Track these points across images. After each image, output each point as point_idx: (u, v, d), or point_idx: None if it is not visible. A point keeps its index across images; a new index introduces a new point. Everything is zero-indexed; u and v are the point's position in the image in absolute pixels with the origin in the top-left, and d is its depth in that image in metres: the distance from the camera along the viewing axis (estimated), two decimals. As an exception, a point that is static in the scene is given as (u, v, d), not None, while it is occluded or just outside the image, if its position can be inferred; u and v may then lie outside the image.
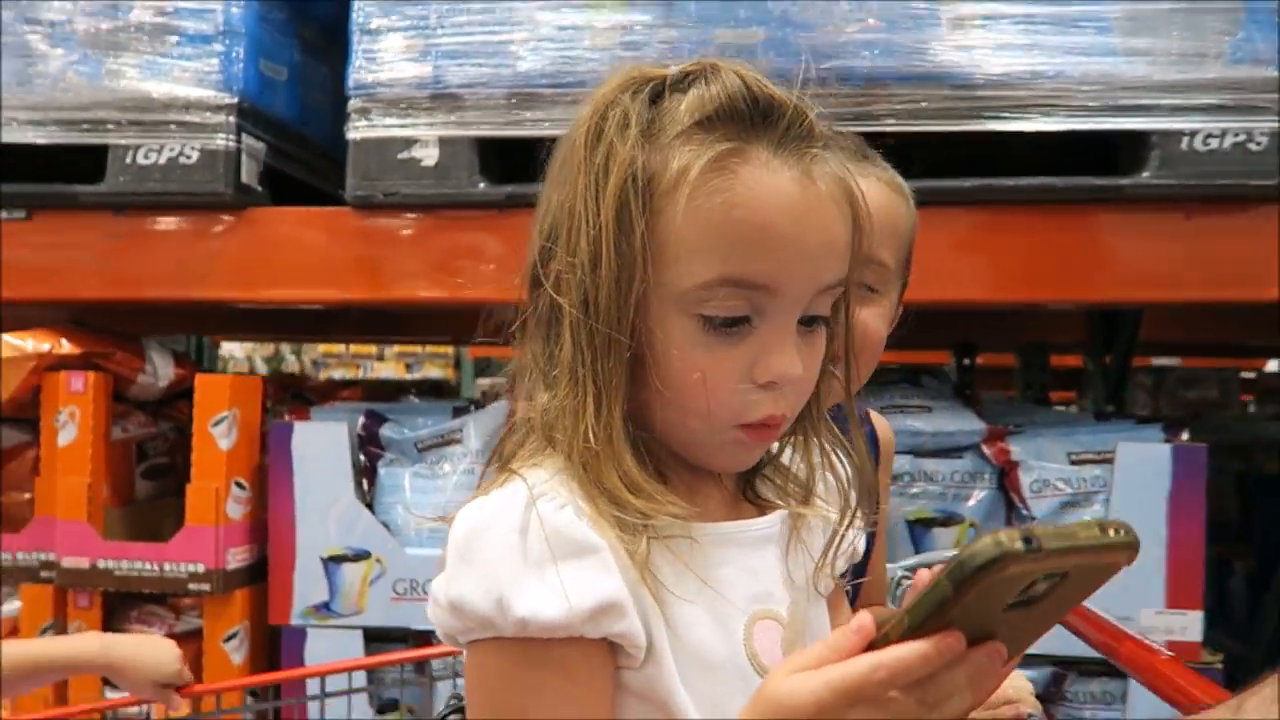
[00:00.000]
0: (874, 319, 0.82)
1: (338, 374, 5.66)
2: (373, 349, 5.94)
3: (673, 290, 0.56)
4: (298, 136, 1.58)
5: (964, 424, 1.51)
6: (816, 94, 0.60)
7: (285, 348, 5.32)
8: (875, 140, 0.86)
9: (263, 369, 4.98)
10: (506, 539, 0.52)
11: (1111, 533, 0.43)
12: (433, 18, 1.37)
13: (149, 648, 1.09)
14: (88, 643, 1.13)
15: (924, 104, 1.26)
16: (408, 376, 5.77)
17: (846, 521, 0.62)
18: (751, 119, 0.57)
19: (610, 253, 0.56)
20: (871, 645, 0.46)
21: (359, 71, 1.39)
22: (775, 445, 0.64)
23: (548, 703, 0.52)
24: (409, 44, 1.37)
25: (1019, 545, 0.41)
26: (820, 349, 0.60)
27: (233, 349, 4.90)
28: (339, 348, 5.76)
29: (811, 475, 0.63)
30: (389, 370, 6.10)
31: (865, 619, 0.46)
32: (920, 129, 1.26)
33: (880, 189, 0.84)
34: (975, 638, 0.45)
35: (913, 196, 0.87)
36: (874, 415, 0.98)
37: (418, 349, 5.88)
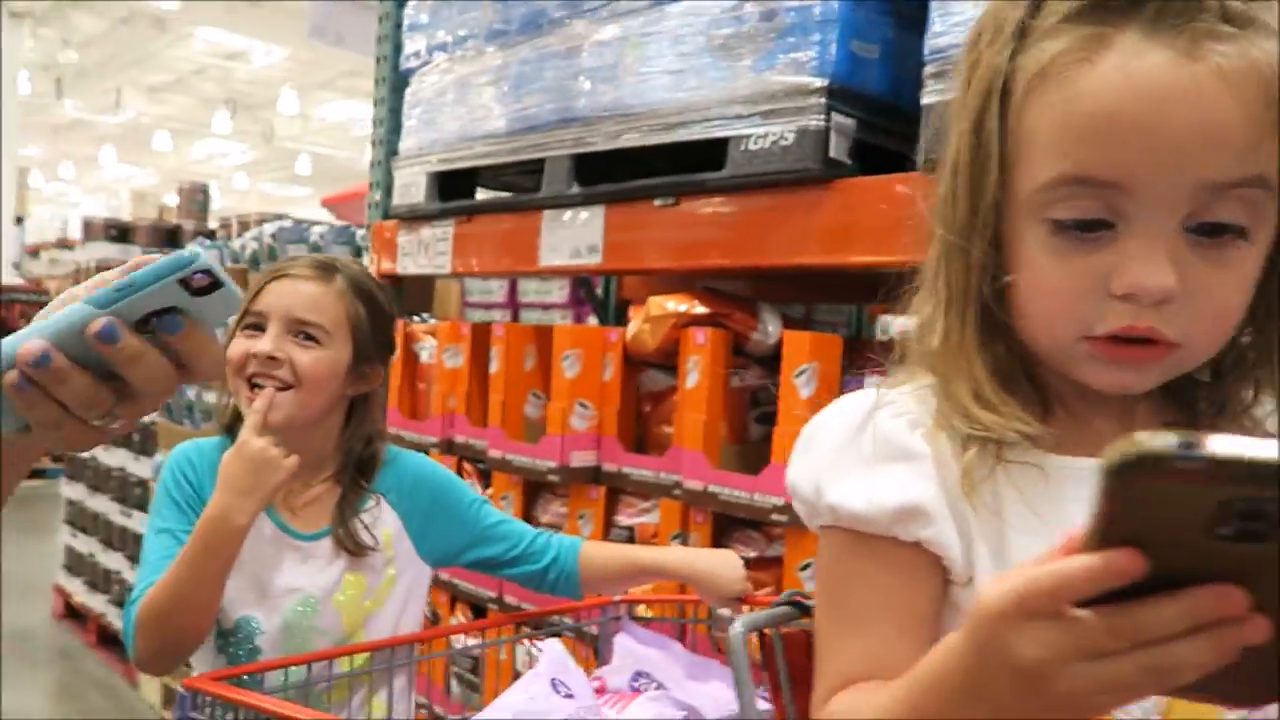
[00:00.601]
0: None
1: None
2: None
3: (1022, 194, 0.53)
4: (891, 108, 1.66)
5: None
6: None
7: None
8: None
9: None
10: (839, 435, 0.56)
11: None
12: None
13: (720, 562, 1.29)
14: (675, 554, 1.38)
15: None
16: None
17: None
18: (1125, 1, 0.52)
19: (965, 159, 0.57)
20: None
21: (934, 38, 1.42)
22: (1250, 394, 0.55)
23: (866, 590, 0.55)
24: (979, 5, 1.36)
25: (1167, 448, 0.34)
26: (1239, 266, 0.50)
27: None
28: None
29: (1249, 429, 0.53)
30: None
31: (1073, 531, 0.40)
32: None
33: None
34: (1192, 576, 0.37)
35: None
36: None
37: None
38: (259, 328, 1.32)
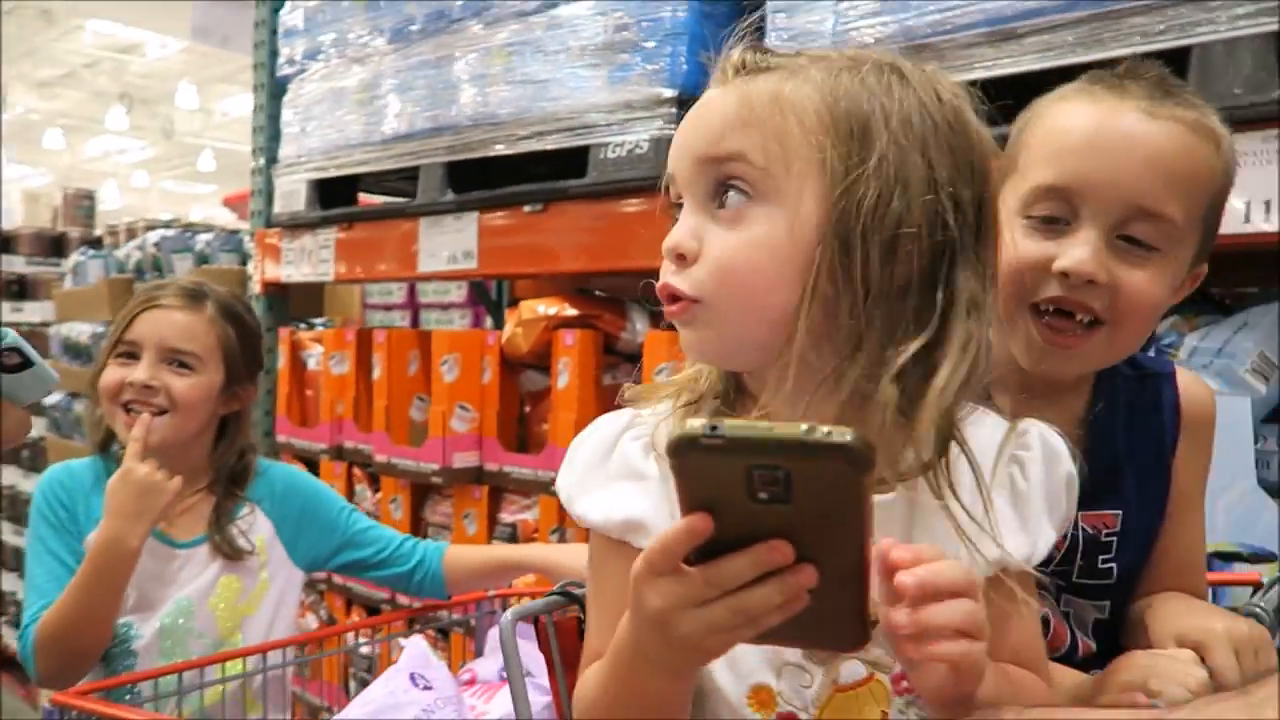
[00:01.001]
0: (1145, 281, 0.74)
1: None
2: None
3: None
4: (743, 116, 1.75)
5: None
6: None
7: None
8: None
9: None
10: (591, 455, 0.65)
11: (820, 432, 0.42)
12: (835, -12, 1.43)
13: (576, 554, 1.37)
14: (534, 550, 1.46)
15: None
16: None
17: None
18: None
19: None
20: None
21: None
22: None
23: (609, 582, 0.64)
24: (813, 18, 1.46)
25: (697, 428, 0.46)
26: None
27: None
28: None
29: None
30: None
31: None
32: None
33: (1174, 132, 0.74)
34: (757, 534, 0.49)
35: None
36: (1184, 376, 0.85)
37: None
38: (132, 355, 1.37)
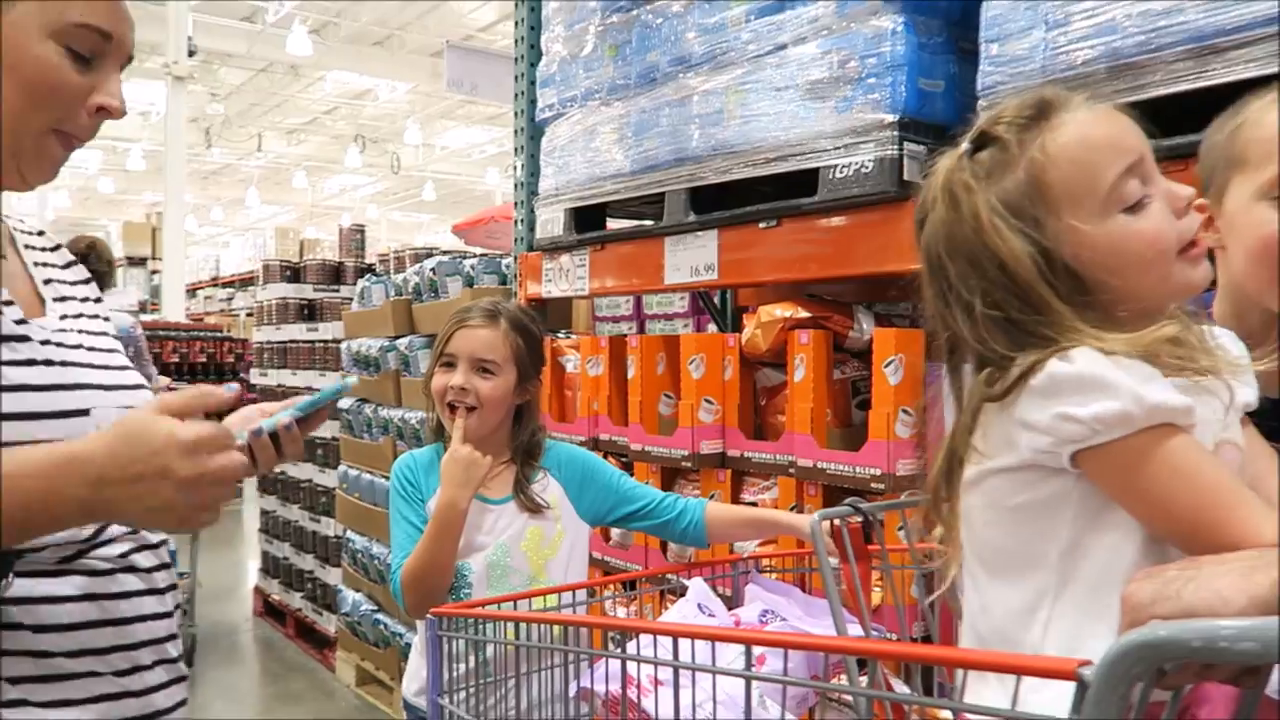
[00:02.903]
0: None
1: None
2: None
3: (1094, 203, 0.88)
4: (961, 132, 1.93)
5: None
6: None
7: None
8: None
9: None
10: (1125, 366, 0.79)
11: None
12: (1044, 20, 1.61)
13: (800, 519, 1.61)
14: (785, 513, 1.71)
15: None
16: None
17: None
18: (1038, 116, 0.89)
19: (1007, 252, 0.86)
20: None
21: (984, 76, 1.70)
22: None
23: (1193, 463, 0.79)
24: (1024, 45, 1.64)
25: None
26: None
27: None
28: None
29: None
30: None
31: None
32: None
33: None
34: None
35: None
36: None
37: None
38: (451, 365, 1.77)
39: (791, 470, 2.02)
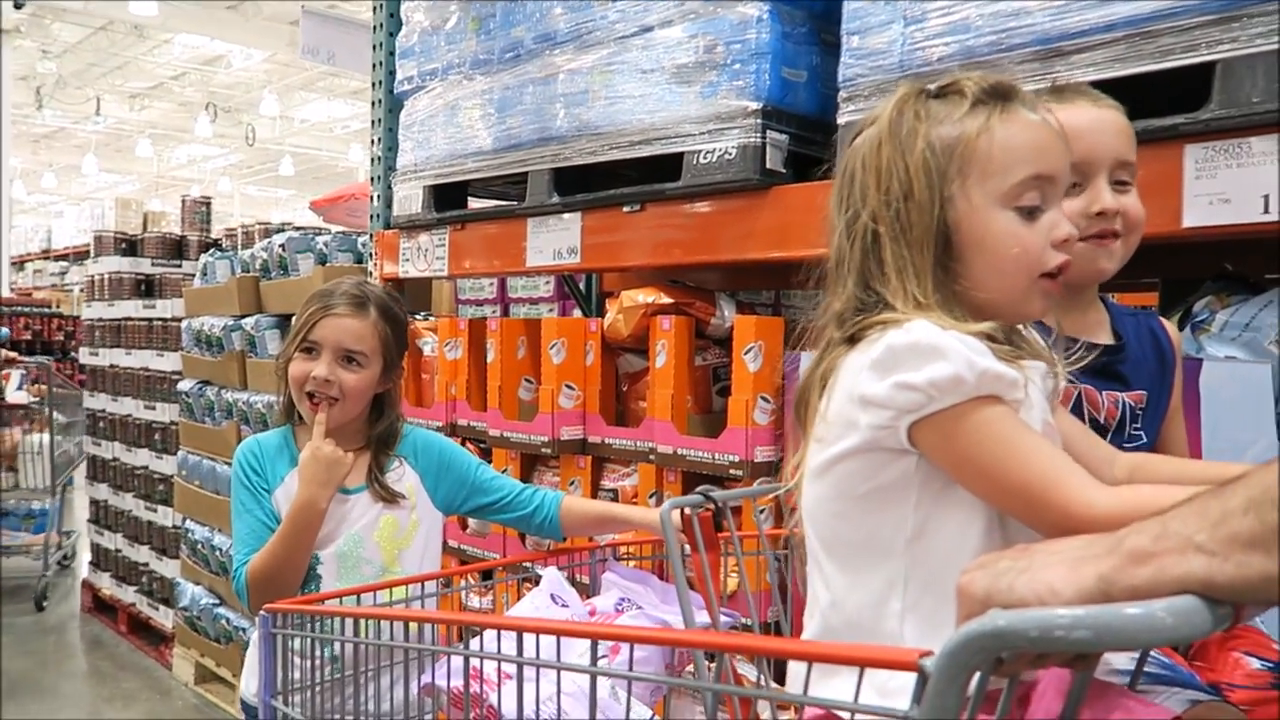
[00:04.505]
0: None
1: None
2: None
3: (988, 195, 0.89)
4: (819, 124, 1.96)
5: None
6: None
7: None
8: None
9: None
10: (959, 338, 0.82)
11: None
12: (902, 16, 1.64)
13: (653, 515, 1.60)
14: (637, 509, 1.69)
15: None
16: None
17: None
18: (1000, 95, 0.91)
19: (919, 187, 0.87)
20: None
21: (845, 68, 1.72)
22: None
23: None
24: (883, 39, 1.66)
25: None
26: None
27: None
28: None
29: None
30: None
31: None
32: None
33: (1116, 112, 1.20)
34: None
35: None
36: (1163, 321, 1.12)
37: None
38: (311, 352, 1.68)
39: (651, 457, 2.01)
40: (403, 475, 1.72)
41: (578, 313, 3.05)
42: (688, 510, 0.99)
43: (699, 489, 1.05)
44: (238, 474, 1.67)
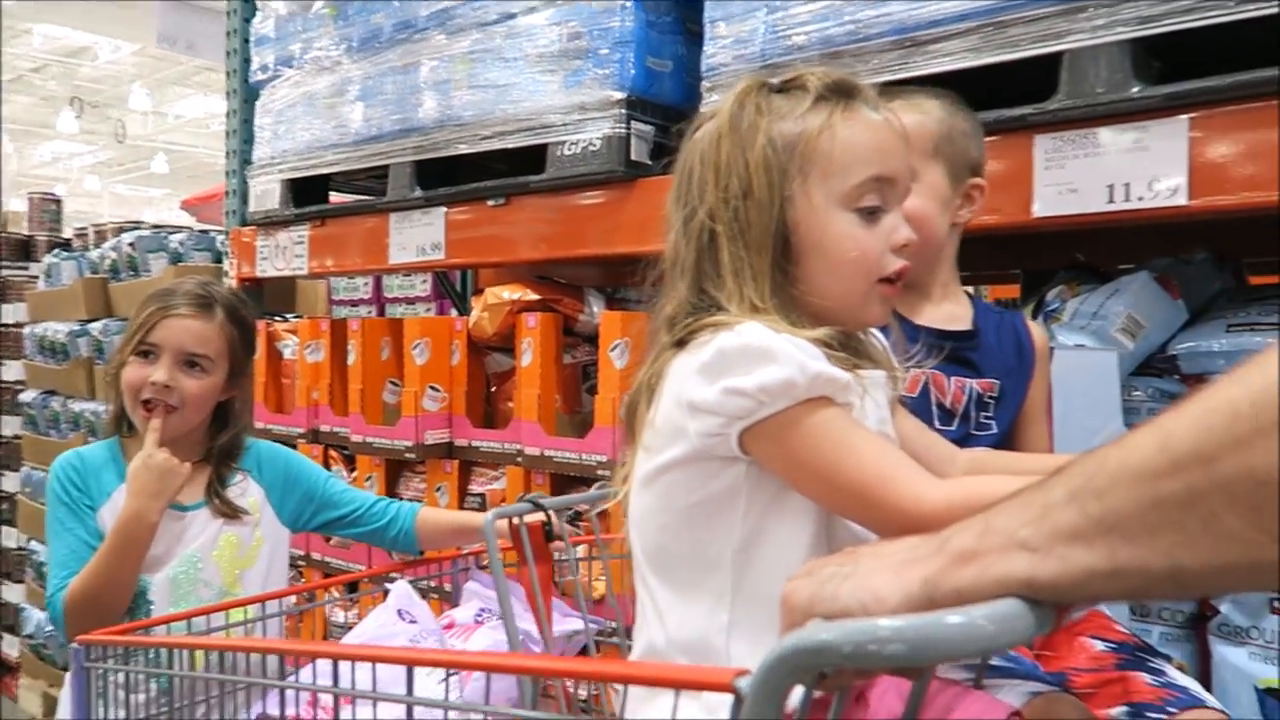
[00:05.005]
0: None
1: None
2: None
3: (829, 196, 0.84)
4: (685, 114, 1.91)
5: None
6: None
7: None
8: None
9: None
10: (791, 341, 0.78)
11: None
12: (766, 4, 1.61)
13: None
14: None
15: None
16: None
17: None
18: (843, 92, 0.87)
19: (759, 185, 0.82)
20: None
21: (707, 57, 1.68)
22: None
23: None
24: (745, 28, 1.63)
25: None
26: None
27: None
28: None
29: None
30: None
31: None
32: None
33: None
34: None
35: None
36: (1030, 321, 1.08)
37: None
38: (148, 355, 1.53)
39: (519, 459, 1.93)
40: (246, 489, 1.59)
41: (455, 313, 2.95)
42: (515, 519, 0.92)
43: (526, 496, 0.99)
44: (55, 489, 1.52)
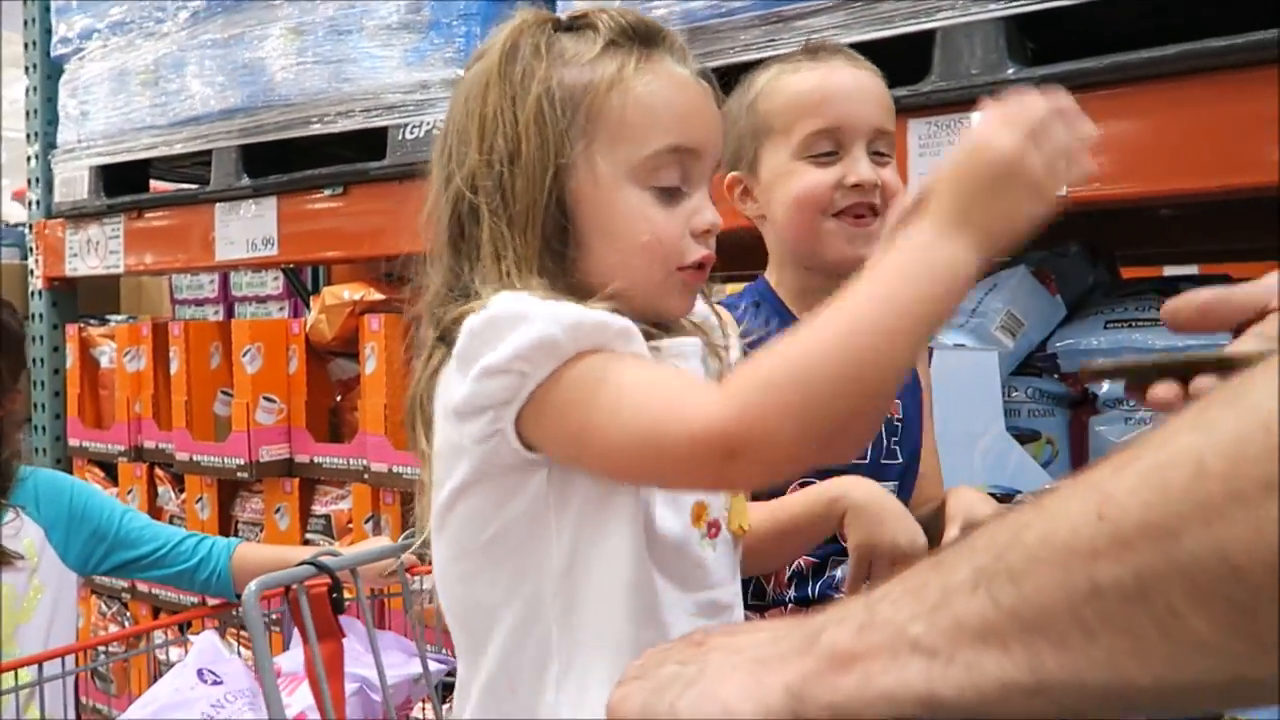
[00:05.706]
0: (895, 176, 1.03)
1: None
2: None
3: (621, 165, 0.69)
4: (542, 97, 1.77)
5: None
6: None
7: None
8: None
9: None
10: (547, 300, 0.63)
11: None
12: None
13: (370, 550, 1.36)
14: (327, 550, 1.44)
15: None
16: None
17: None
18: (642, 38, 0.71)
19: (529, 147, 0.66)
20: None
21: (560, 33, 1.54)
22: None
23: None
24: None
25: None
26: None
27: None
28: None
29: None
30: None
31: None
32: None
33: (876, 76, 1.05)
34: None
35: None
36: None
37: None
38: None
39: (365, 476, 1.75)
40: (20, 529, 1.35)
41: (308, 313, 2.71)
42: (293, 588, 0.76)
43: (306, 559, 0.82)
44: None
